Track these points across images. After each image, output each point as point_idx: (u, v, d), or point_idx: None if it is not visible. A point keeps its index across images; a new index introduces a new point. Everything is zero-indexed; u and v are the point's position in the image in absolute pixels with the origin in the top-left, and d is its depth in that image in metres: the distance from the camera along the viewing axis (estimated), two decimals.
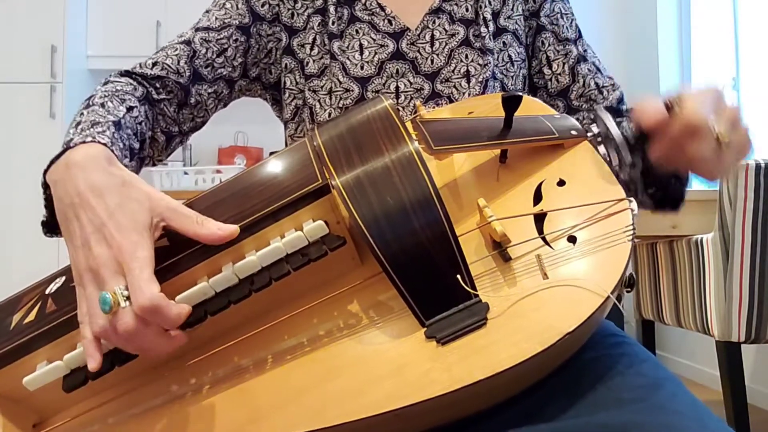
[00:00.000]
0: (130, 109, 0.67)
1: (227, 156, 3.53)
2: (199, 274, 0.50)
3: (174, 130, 0.79)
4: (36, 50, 3.17)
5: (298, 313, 0.52)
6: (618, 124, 0.57)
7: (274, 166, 0.56)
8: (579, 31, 0.87)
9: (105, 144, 0.55)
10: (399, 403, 0.43)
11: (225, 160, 3.51)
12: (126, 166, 0.63)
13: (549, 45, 0.85)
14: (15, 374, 0.49)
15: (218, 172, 3.30)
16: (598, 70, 0.85)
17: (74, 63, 3.29)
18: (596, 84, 0.84)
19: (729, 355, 1.73)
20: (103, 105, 0.64)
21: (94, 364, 0.45)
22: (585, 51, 0.86)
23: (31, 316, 0.51)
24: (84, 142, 0.54)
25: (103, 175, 0.50)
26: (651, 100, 0.54)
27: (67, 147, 0.54)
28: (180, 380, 0.51)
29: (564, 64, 0.84)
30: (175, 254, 0.49)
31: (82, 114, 0.62)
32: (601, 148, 0.60)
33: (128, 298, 0.44)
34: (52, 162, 0.54)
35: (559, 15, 0.86)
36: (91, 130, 0.57)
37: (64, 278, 0.55)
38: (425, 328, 0.47)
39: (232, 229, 0.48)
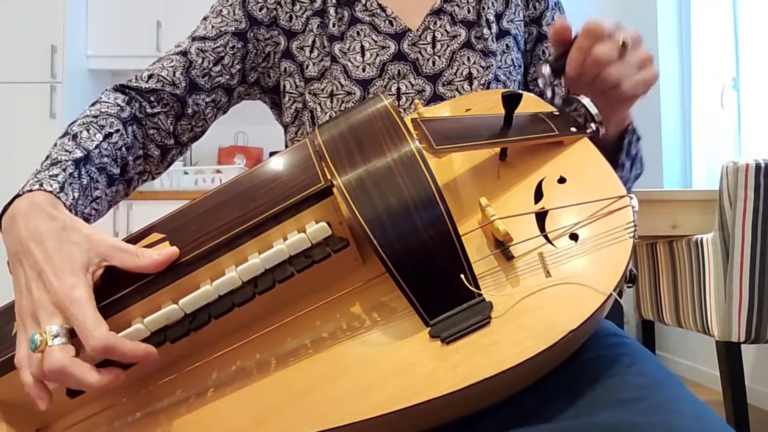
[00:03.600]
0: (108, 135, 0.68)
1: (227, 156, 3.53)
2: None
3: (169, 142, 0.79)
4: (36, 50, 3.17)
5: (300, 316, 0.52)
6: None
7: (276, 168, 0.56)
8: None
9: (51, 191, 0.56)
10: (404, 403, 0.43)
11: (225, 160, 3.51)
12: (100, 196, 0.64)
13: (549, 55, 0.86)
14: (17, 380, 0.48)
15: (218, 172, 3.30)
16: None
17: (74, 63, 3.29)
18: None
19: (729, 355, 1.73)
20: (75, 136, 0.65)
21: (43, 405, 0.46)
22: None
23: None
24: (31, 191, 0.55)
25: (44, 222, 0.51)
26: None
27: (16, 196, 0.55)
28: (183, 384, 0.51)
29: None
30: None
31: (55, 144, 0.64)
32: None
33: (57, 336, 0.45)
34: (4, 209, 0.55)
35: None
36: (46, 172, 0.58)
37: None
38: (429, 328, 0.47)
39: (170, 252, 0.49)
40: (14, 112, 3.16)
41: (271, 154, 0.64)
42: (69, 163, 0.61)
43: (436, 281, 0.47)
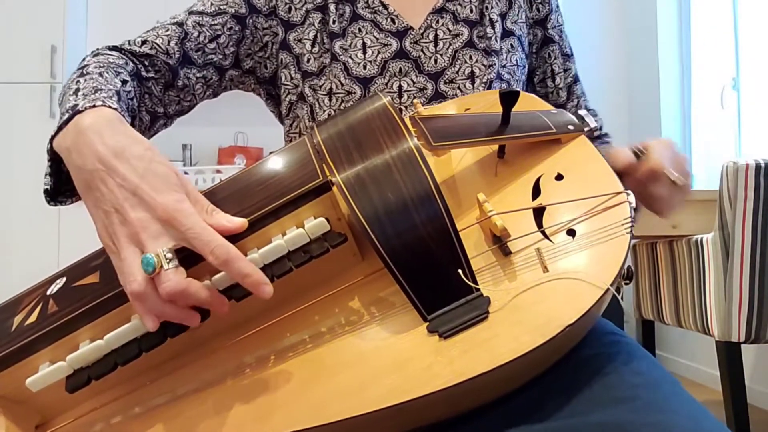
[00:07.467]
0: (124, 82, 0.65)
1: (227, 156, 3.53)
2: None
3: (159, 110, 0.77)
4: (36, 50, 3.17)
5: (299, 310, 0.52)
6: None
7: (275, 164, 0.56)
8: (571, 49, 0.90)
9: (115, 109, 0.53)
10: (402, 397, 0.43)
11: (225, 160, 3.51)
12: None
13: (555, 58, 0.88)
14: (17, 376, 0.49)
15: (218, 172, 3.30)
16: (584, 93, 0.90)
17: (74, 63, 3.27)
18: (586, 108, 0.89)
19: (729, 355, 1.73)
20: (101, 74, 0.62)
21: (150, 324, 0.45)
22: (576, 71, 0.90)
23: (33, 318, 0.51)
24: (94, 106, 0.51)
25: (124, 138, 0.48)
26: (620, 148, 0.66)
27: (75, 112, 0.51)
28: (182, 379, 0.51)
29: (564, 80, 0.88)
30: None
31: (78, 81, 0.60)
32: None
33: (171, 260, 0.44)
34: (59, 129, 0.52)
35: (561, 28, 0.89)
36: (96, 95, 0.55)
37: (65, 279, 0.55)
38: (427, 323, 0.47)
39: (240, 222, 0.48)
40: (14, 112, 3.16)
41: (271, 153, 0.65)
42: (112, 92, 0.58)
43: (434, 276, 0.47)
